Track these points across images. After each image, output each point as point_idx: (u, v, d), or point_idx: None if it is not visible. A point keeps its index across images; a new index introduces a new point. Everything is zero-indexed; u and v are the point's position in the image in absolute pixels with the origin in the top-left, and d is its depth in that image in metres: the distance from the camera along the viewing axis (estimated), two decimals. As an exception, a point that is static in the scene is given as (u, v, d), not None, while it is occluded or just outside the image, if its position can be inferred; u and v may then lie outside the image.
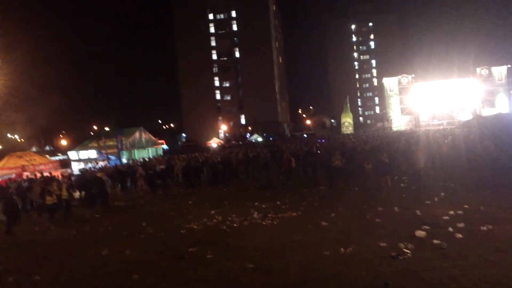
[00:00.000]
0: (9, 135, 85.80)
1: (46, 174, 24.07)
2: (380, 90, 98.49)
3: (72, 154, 36.58)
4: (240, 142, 68.38)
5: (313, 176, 20.74)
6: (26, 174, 24.26)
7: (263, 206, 15.57)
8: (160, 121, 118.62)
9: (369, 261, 8.50)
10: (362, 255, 8.86)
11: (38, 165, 25.83)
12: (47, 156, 38.83)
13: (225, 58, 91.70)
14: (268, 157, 27.69)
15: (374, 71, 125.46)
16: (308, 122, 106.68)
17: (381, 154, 16.20)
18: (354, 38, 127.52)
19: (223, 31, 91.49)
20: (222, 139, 79.89)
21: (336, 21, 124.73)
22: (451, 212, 11.76)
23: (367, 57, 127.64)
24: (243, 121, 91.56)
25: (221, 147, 59.17)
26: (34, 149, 62.90)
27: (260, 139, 71.85)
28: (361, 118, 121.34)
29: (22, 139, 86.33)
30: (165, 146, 58.72)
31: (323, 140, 46.37)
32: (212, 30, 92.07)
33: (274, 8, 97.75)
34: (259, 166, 26.81)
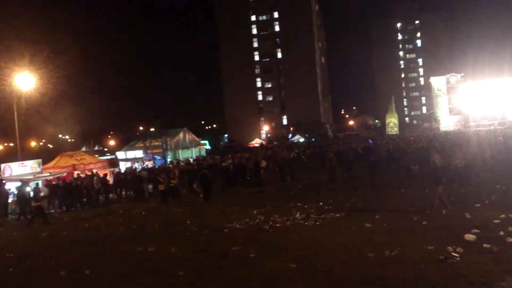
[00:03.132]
0: (60, 136, 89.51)
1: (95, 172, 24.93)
2: (427, 90, 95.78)
3: (120, 154, 37.64)
4: (275, 143, 68.34)
5: (355, 176, 20.45)
6: (76, 172, 25.12)
7: (306, 206, 15.50)
8: (203, 122, 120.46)
9: (416, 264, 8.29)
10: (408, 258, 8.66)
11: (88, 164, 26.63)
12: (96, 155, 40.07)
13: (267, 59, 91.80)
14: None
15: (421, 70, 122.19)
16: (351, 122, 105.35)
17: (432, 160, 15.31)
18: (400, 37, 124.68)
19: (266, 32, 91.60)
20: (264, 140, 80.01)
21: (381, 19, 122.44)
22: (502, 216, 11.32)
23: (413, 55, 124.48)
24: (285, 121, 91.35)
25: (263, 148, 59.26)
26: (84, 149, 65.15)
27: (302, 139, 71.48)
28: (407, 119, 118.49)
29: (72, 140, 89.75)
30: (208, 147, 59.35)
31: (370, 141, 45.65)
32: (254, 31, 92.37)
33: (317, 8, 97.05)
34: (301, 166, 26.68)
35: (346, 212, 13.92)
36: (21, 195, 20.15)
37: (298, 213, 14.35)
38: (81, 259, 10.93)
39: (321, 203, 15.82)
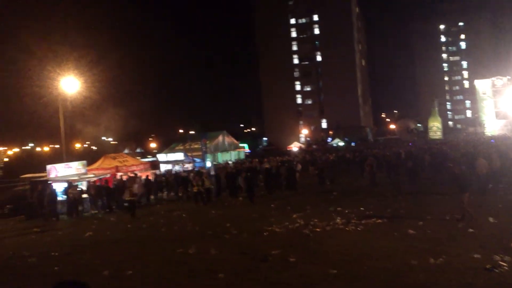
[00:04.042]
0: (103, 138, 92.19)
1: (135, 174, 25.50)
2: (471, 93, 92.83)
3: (161, 156, 38.34)
4: (314, 146, 67.86)
5: (398, 182, 20.00)
6: (119, 174, 25.73)
7: (346, 211, 15.31)
8: (242, 125, 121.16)
9: (461, 272, 8.04)
10: (453, 266, 8.41)
11: (130, 166, 27.26)
12: (138, 158, 40.96)
13: (306, 62, 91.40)
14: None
15: (465, 73, 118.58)
16: (393, 126, 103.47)
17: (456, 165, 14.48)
18: (443, 39, 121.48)
19: (305, 35, 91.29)
20: (302, 143, 79.66)
21: (423, 21, 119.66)
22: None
23: (457, 58, 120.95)
24: (324, 125, 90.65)
25: (302, 151, 59.00)
26: (126, 151, 66.75)
27: (341, 143, 70.73)
28: (450, 123, 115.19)
29: (115, 142, 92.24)
30: (247, 150, 59.61)
31: (410, 144, 44.77)
32: (293, 34, 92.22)
33: (357, 10, 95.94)
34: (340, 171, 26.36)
35: (388, 218, 13.65)
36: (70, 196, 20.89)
37: (339, 217, 14.20)
38: (124, 259, 11.17)
39: (362, 208, 15.59)
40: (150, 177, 25.83)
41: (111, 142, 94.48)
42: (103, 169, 26.21)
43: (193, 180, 22.17)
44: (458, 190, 12.65)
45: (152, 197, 24.95)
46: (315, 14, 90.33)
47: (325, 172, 25.41)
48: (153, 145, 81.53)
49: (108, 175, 25.26)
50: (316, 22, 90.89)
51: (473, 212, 12.32)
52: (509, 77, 65.95)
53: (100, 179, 24.07)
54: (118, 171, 25.99)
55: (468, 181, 12.99)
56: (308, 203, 17.92)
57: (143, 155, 57.76)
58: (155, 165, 33.86)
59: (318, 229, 12.87)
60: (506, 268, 8.02)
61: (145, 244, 12.99)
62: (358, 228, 12.60)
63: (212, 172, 27.75)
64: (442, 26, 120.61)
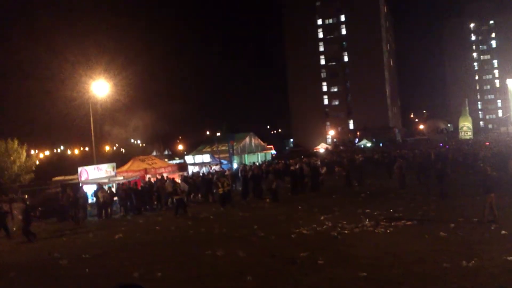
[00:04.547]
0: (132, 140, 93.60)
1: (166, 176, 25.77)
2: (503, 92, 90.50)
3: (189, 158, 38.61)
4: (341, 147, 67.30)
5: (429, 183, 19.63)
6: (148, 176, 26.06)
7: (375, 213, 15.13)
8: (268, 127, 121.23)
9: (495, 276, 7.86)
10: (486, 269, 8.23)
11: (159, 168, 27.57)
12: (166, 160, 41.40)
13: (333, 63, 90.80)
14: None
15: (496, 72, 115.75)
16: (421, 126, 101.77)
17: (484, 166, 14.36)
18: (473, 37, 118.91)
19: (332, 36, 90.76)
20: (329, 144, 79.13)
21: (453, 20, 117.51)
22: None
23: (488, 57, 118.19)
24: (351, 126, 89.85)
25: (329, 153, 58.62)
26: (154, 153, 67.57)
27: (369, 144, 69.95)
28: (481, 123, 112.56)
29: (143, 144, 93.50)
30: (273, 151, 59.57)
31: (441, 144, 43.99)
32: (320, 35, 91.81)
33: (385, 10, 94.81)
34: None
35: (419, 220, 13.43)
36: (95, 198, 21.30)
37: (367, 220, 14.04)
38: (153, 261, 11.29)
39: (391, 210, 15.39)
40: (177, 180, 26.01)
41: (140, 145, 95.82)
42: (132, 171, 26.59)
43: (218, 182, 22.36)
44: (483, 191, 12.51)
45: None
46: (342, 14, 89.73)
47: (352, 173, 25.16)
48: (180, 147, 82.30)
49: (138, 177, 25.59)
50: (343, 23, 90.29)
51: (497, 213, 12.14)
52: (542, 76, 64.09)
53: (129, 181, 24.39)
54: (147, 173, 26.33)
55: (493, 181, 12.83)
56: (335, 205, 17.79)
57: (171, 157, 58.28)
58: (183, 167, 34.12)
59: (346, 231, 12.76)
60: (542, 271, 7.80)
61: (174, 246, 13.10)
62: (388, 231, 12.43)
63: (239, 174, 27.82)
64: (472, 25, 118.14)
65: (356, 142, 77.88)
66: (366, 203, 17.77)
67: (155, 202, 23.24)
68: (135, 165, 27.35)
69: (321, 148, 69.73)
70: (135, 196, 22.31)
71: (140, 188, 23.10)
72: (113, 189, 23.33)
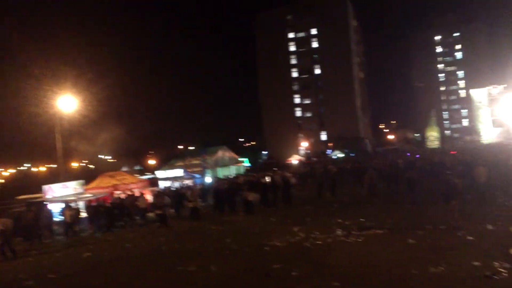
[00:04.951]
0: (101, 156, 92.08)
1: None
2: (468, 102, 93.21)
3: (160, 173, 38.24)
4: (314, 159, 67.90)
5: (398, 192, 20.00)
6: (117, 192, 25.57)
7: (347, 223, 15.28)
8: (242, 140, 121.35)
9: (462, 281, 8.05)
10: (454, 275, 8.42)
11: (129, 184, 27.11)
12: (136, 175, 40.91)
13: (305, 76, 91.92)
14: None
15: (462, 83, 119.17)
16: (391, 136, 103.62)
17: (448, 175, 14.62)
18: (440, 49, 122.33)
19: (304, 49, 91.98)
20: (302, 156, 79.67)
21: (420, 32, 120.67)
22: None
23: (453, 68, 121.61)
24: (324, 137, 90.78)
25: (302, 164, 59.02)
26: (124, 168, 66.61)
27: (341, 155, 70.80)
28: (447, 132, 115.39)
29: (113, 160, 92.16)
30: (247, 164, 59.62)
31: (408, 154, 44.84)
32: (292, 48, 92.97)
33: (355, 23, 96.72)
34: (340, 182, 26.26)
35: (389, 229, 13.64)
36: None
37: (339, 229, 14.17)
38: (123, 280, 11.08)
39: (362, 219, 15.57)
40: (148, 195, 25.67)
41: (109, 160, 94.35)
42: (101, 188, 26.11)
43: (189, 196, 22.44)
44: (446, 198, 12.99)
45: (150, 214, 24.71)
46: (313, 28, 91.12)
47: (324, 184, 25.37)
48: (152, 162, 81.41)
49: (106, 194, 25.14)
50: (314, 36, 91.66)
51: (460, 220, 12.56)
52: (505, 86, 66.45)
53: (98, 198, 23.92)
54: (116, 189, 25.88)
55: (456, 189, 13.29)
56: (308, 216, 17.88)
57: (142, 173, 57.62)
58: (154, 182, 33.78)
59: (319, 242, 12.84)
60: (506, 274, 8.05)
61: (145, 263, 12.87)
62: (359, 240, 12.58)
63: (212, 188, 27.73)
64: (438, 37, 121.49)
65: (328, 153, 78.66)
66: (338, 213, 17.92)
67: (126, 219, 22.82)
68: (104, 181, 26.88)
69: (294, 160, 70.16)
70: (104, 213, 21.88)
71: (109, 205, 22.69)
72: (82, 207, 22.86)
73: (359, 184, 25.62)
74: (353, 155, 69.13)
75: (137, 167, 77.99)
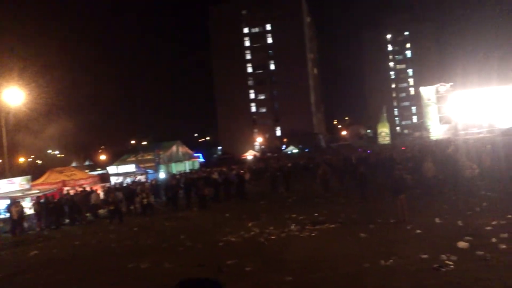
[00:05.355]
0: (49, 151, 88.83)
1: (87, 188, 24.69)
2: (417, 99, 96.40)
3: (111, 169, 37.26)
4: (268, 154, 68.44)
5: (350, 187, 20.40)
6: (66, 189, 24.72)
7: (300, 218, 15.43)
8: (196, 135, 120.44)
9: (411, 273, 8.27)
10: (403, 267, 8.64)
11: (79, 180, 26.29)
12: (87, 171, 39.74)
13: (260, 71, 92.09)
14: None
15: (411, 80, 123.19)
16: (344, 132, 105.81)
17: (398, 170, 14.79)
18: (390, 48, 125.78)
19: (258, 44, 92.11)
20: (257, 151, 79.96)
21: (372, 31, 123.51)
22: (494, 223, 11.36)
23: (403, 66, 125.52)
24: (278, 133, 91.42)
25: (257, 159, 59.25)
26: (74, 164, 64.57)
27: (295, 150, 71.54)
28: (398, 128, 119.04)
29: (62, 155, 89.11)
30: (201, 159, 59.17)
31: (359, 150, 45.89)
32: (247, 43, 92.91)
33: (308, 20, 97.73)
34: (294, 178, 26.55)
35: (341, 223, 13.87)
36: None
37: (293, 224, 14.29)
38: (72, 278, 10.75)
39: (315, 214, 15.76)
40: (99, 191, 24.99)
41: (58, 155, 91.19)
42: (48, 184, 25.18)
43: (140, 193, 22.17)
44: (394, 193, 13.30)
45: (101, 211, 24.06)
46: (268, 23, 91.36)
47: (278, 179, 25.57)
48: (103, 157, 79.31)
49: (55, 190, 24.27)
50: (269, 32, 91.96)
51: (407, 214, 12.91)
52: (452, 84, 69.06)
53: (45, 194, 23.06)
54: (65, 185, 25.03)
55: (404, 184, 13.69)
56: (263, 211, 17.97)
57: (93, 168, 56.05)
58: (105, 178, 32.91)
59: (273, 237, 12.90)
60: (452, 267, 8.32)
61: (94, 261, 12.54)
62: (312, 234, 12.73)
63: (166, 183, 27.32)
64: (389, 36, 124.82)
65: (283, 148, 79.31)
66: (292, 208, 18.08)
67: (76, 216, 22.10)
68: (52, 177, 25.93)
69: (249, 155, 70.29)
70: (52, 209, 21.11)
71: (57, 201, 21.91)
72: (28, 203, 21.97)
73: (313, 180, 25.99)
74: (307, 150, 70.03)
75: (87, 163, 75.76)
